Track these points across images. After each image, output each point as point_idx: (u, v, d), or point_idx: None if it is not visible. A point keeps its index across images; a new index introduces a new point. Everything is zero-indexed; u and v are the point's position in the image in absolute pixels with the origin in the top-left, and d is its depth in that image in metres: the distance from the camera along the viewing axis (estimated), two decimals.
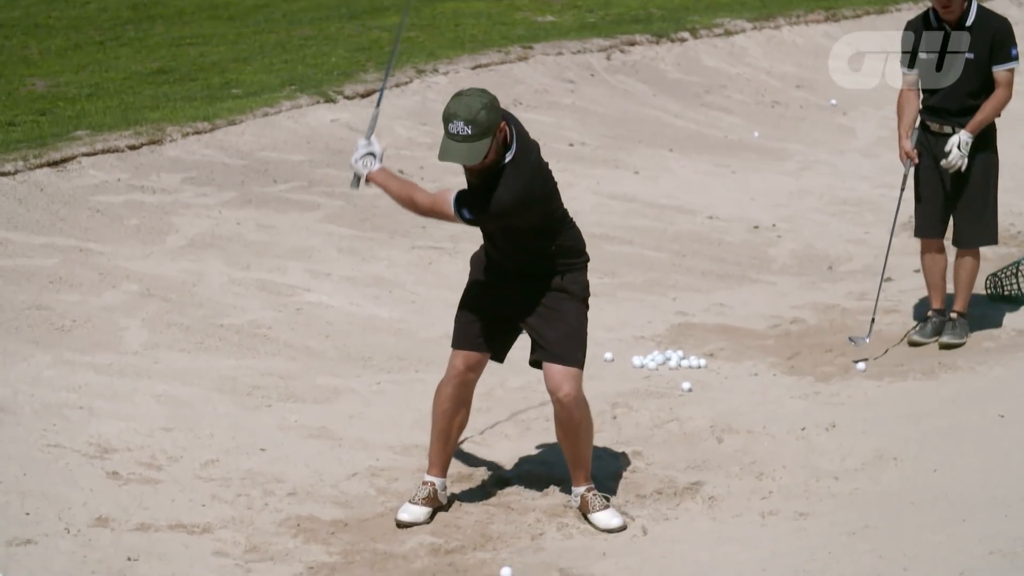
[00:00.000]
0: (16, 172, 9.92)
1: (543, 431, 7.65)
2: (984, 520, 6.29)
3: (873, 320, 8.94)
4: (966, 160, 8.62)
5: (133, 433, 7.40)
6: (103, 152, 10.54)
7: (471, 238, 9.77)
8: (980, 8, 8.65)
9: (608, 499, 6.77)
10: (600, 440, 7.32)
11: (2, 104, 12.00)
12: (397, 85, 12.79)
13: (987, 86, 8.63)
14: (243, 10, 16.51)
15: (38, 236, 9.33)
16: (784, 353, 8.89)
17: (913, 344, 8.88)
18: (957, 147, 8.60)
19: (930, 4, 8.74)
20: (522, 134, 6.44)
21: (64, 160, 10.27)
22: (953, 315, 8.88)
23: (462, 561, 6.39)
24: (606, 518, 6.67)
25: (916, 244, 9.16)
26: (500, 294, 6.66)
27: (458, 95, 6.35)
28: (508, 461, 7.38)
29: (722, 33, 15.98)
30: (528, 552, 6.47)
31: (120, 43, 14.66)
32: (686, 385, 8.34)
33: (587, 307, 6.68)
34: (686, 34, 15.69)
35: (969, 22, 8.60)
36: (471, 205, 6.37)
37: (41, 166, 10.09)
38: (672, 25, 15.88)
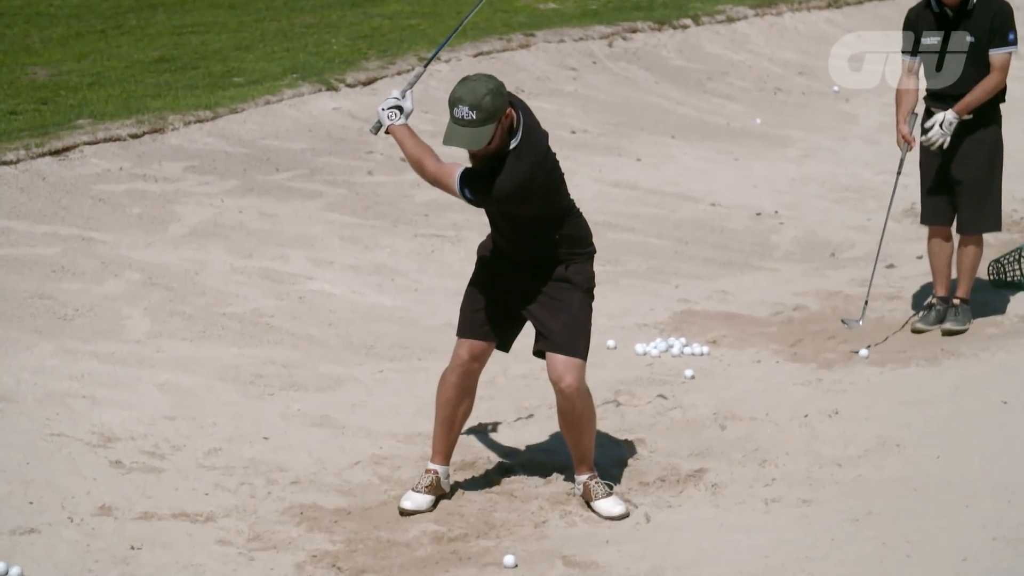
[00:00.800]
0: (18, 161, 9.91)
1: (546, 419, 7.64)
2: (987, 506, 6.29)
3: (866, 303, 8.92)
4: (948, 140, 8.61)
5: (136, 422, 7.40)
6: (105, 141, 10.53)
7: (474, 227, 9.80)
8: None
9: (611, 487, 6.77)
10: (603, 427, 7.32)
11: (4, 93, 11.98)
12: (399, 72, 12.78)
13: (990, 70, 8.63)
14: None
15: (40, 225, 9.32)
16: (787, 340, 8.88)
17: (916, 331, 8.87)
18: (939, 125, 8.60)
19: None
20: (530, 123, 6.40)
21: (66, 149, 10.26)
22: (956, 301, 8.88)
23: (465, 549, 6.40)
24: (609, 506, 6.67)
25: (918, 230, 9.16)
26: (505, 283, 6.65)
27: (464, 80, 6.33)
28: (511, 449, 7.38)
29: (724, 20, 15.96)
30: (531, 540, 6.47)
31: (122, 31, 14.64)
32: (689, 372, 8.34)
33: (592, 298, 6.66)
34: (688, 21, 15.67)
35: (971, 5, 8.60)
36: (473, 185, 6.34)
37: (43, 155, 10.08)
38: (674, 12, 15.86)
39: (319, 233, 9.98)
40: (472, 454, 7.28)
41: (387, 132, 6.52)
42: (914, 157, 8.96)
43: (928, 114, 8.79)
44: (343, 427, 7.58)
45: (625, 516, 6.66)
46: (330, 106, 12.06)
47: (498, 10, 15.60)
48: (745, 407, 7.78)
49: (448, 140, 6.29)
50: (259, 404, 7.79)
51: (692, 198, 11.56)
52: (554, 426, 7.37)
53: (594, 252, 6.68)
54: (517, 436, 7.53)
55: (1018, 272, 9.43)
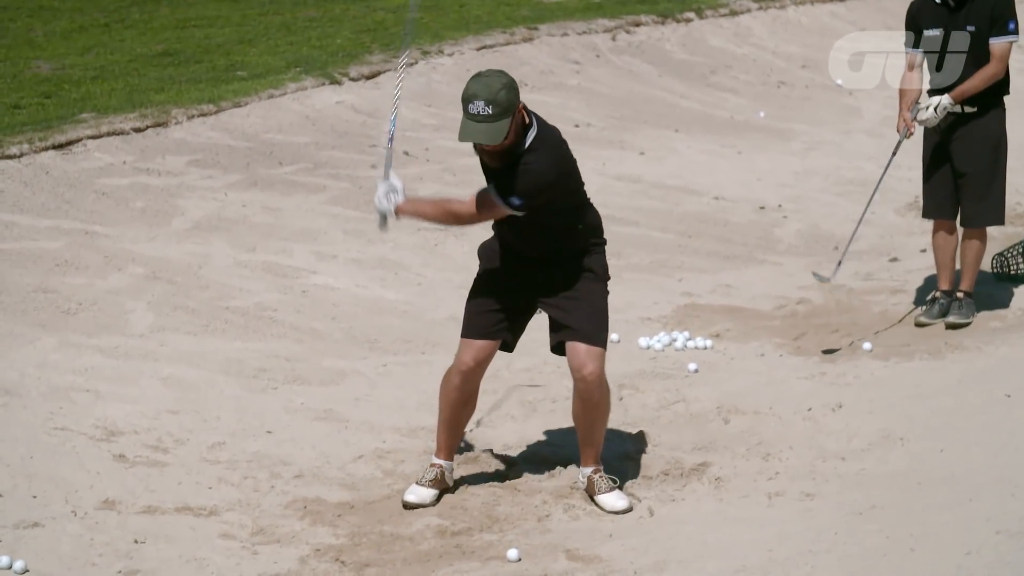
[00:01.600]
0: (21, 155, 9.92)
1: (549, 413, 7.65)
2: (991, 500, 6.28)
3: (840, 263, 8.91)
4: (938, 122, 8.60)
5: (139, 416, 7.40)
6: (108, 135, 10.54)
7: None
8: None
9: (615, 481, 6.76)
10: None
11: (7, 87, 11.99)
12: (401, 67, 12.75)
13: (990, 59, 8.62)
14: None
15: (44, 219, 9.33)
16: (790, 334, 8.88)
17: (919, 325, 8.87)
18: (933, 108, 8.60)
19: None
20: (537, 116, 6.44)
21: (69, 143, 10.27)
22: (959, 295, 8.87)
23: (469, 543, 6.40)
24: (612, 500, 6.67)
25: (921, 224, 9.15)
26: (515, 282, 6.62)
27: (477, 76, 6.32)
28: (514, 443, 7.38)
29: (727, 13, 15.96)
30: (535, 534, 6.47)
31: (125, 25, 14.65)
32: (692, 366, 8.34)
33: (607, 290, 6.68)
34: (691, 14, 15.67)
35: None
36: (514, 191, 6.29)
37: (46, 149, 10.09)
38: (677, 5, 15.86)
39: (322, 227, 9.98)
40: (476, 448, 7.28)
41: (397, 216, 6.51)
42: (917, 151, 8.96)
43: None
44: (347, 421, 7.58)
45: (628, 510, 6.66)
46: (333, 100, 12.06)
47: (501, 4, 15.61)
48: (749, 401, 7.78)
49: (464, 136, 6.28)
50: (262, 398, 7.79)
51: (696, 192, 11.55)
52: (558, 420, 7.37)
53: (606, 244, 6.70)
54: (521, 430, 7.53)
55: (1022, 265, 9.43)
